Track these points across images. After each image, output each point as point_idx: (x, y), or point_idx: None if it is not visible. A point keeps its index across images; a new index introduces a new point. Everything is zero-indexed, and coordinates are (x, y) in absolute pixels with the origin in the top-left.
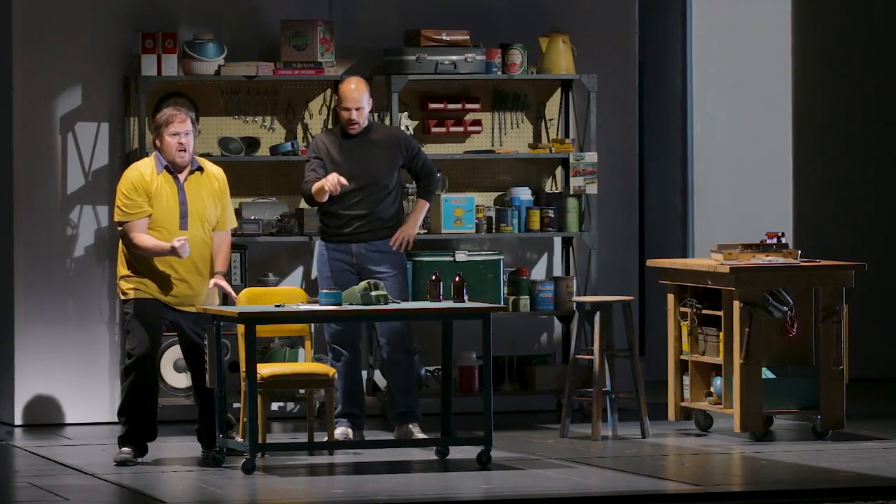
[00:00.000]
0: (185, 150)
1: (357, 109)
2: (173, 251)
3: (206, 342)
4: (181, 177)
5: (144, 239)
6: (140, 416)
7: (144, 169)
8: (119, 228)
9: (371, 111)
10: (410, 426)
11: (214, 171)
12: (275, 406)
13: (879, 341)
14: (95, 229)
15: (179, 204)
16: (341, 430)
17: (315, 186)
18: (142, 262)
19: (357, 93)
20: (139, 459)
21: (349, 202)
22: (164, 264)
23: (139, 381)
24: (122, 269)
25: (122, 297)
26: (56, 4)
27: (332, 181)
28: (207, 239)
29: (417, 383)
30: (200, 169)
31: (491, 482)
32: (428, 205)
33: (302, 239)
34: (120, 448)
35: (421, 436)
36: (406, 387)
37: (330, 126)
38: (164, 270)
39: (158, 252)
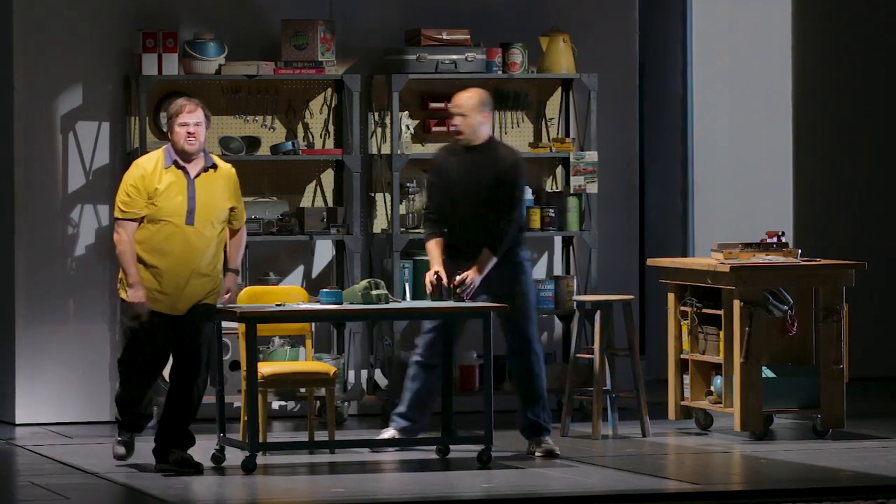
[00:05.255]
0: (194, 139)
1: (461, 116)
2: (132, 288)
3: (200, 340)
4: (192, 172)
5: (127, 248)
6: (132, 400)
7: (149, 165)
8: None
9: (484, 125)
10: (540, 439)
11: (226, 168)
12: (276, 405)
13: (879, 340)
14: (96, 228)
15: (188, 199)
16: (391, 433)
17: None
18: (144, 263)
19: (464, 99)
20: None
21: (464, 221)
22: (168, 268)
23: (130, 367)
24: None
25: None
26: (56, 4)
27: (428, 278)
28: (217, 236)
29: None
30: (214, 166)
31: (491, 481)
32: (494, 257)
33: (302, 238)
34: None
35: (555, 450)
36: (528, 393)
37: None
38: (165, 273)
39: (126, 269)
